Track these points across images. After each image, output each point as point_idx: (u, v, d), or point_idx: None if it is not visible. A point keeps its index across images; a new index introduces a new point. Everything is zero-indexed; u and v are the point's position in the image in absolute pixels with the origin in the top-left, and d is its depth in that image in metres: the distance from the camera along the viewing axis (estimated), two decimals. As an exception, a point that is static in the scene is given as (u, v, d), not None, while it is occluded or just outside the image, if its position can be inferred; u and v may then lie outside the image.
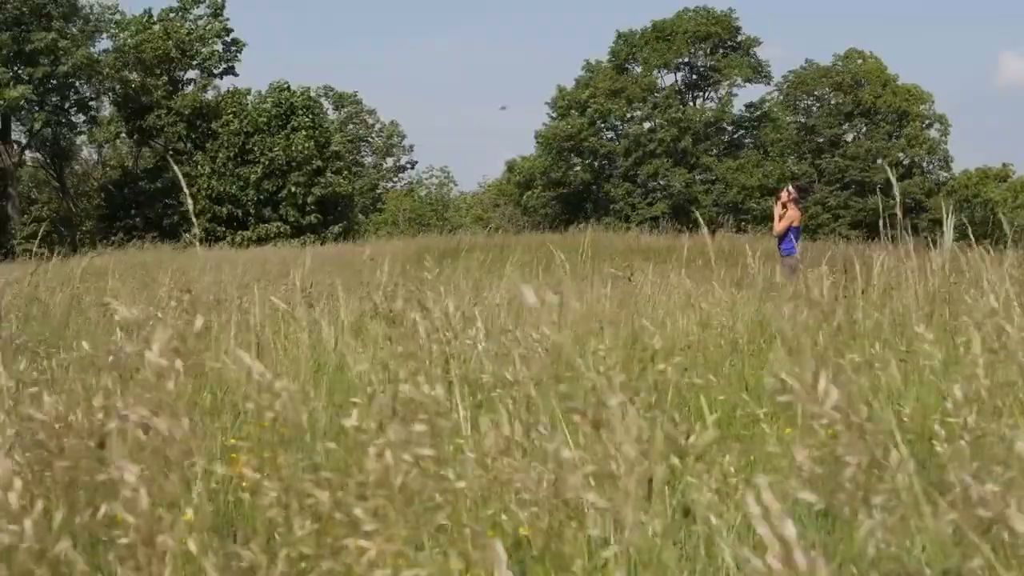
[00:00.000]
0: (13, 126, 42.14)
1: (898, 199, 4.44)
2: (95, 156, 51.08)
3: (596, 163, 52.90)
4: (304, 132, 43.17)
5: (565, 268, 5.53)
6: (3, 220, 40.55)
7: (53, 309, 6.01)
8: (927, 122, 52.40)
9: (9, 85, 38.23)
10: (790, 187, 11.73)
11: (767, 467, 2.71)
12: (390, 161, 66.78)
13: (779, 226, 11.17)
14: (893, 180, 4.44)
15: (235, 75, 46.84)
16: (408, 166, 66.94)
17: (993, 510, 1.53)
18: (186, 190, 3.34)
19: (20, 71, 39.85)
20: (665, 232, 29.16)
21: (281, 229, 41.49)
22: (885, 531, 1.62)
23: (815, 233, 40.29)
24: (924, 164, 52.57)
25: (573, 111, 52.77)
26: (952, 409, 2.10)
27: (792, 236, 11.15)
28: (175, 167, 3.40)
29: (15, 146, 42.45)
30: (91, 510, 1.79)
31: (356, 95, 64.04)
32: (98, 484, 1.76)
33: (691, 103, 54.00)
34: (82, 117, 44.16)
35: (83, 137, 46.85)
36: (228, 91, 45.38)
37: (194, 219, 3.48)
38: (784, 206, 11.25)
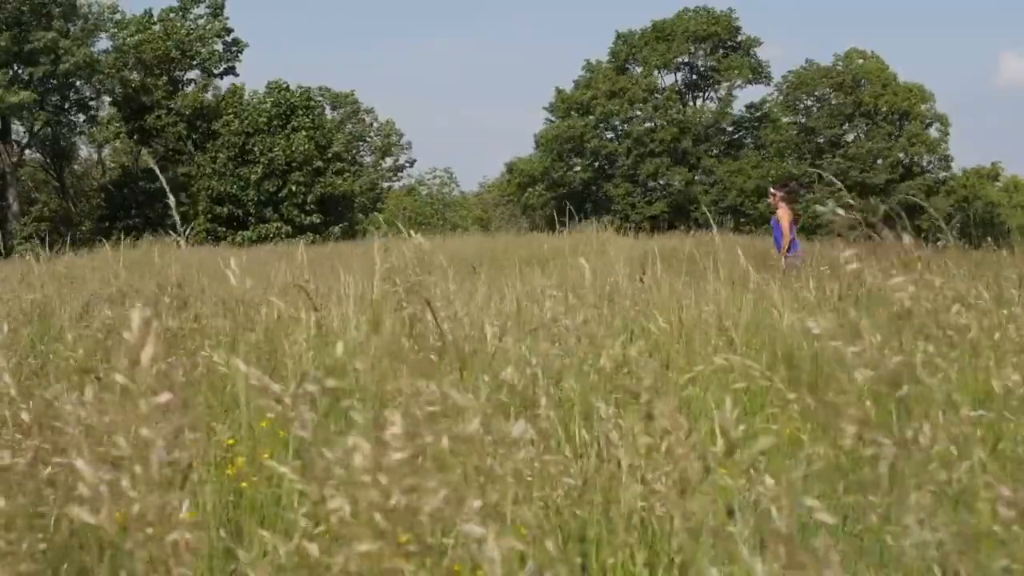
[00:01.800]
0: (13, 126, 42.13)
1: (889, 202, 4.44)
2: (95, 156, 51.11)
3: (596, 163, 52.92)
4: (304, 132, 43.13)
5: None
6: (3, 220, 40.51)
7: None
8: (927, 121, 52.36)
9: (11, 88, 38.15)
10: (772, 189, 11.44)
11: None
12: (389, 161, 66.76)
13: (786, 236, 10.72)
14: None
15: (235, 75, 46.81)
16: (407, 164, 66.93)
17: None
18: (170, 195, 3.35)
19: (20, 71, 39.81)
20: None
21: (282, 229, 41.44)
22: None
23: (813, 234, 40.15)
24: (924, 164, 52.51)
25: (573, 112, 52.78)
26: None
27: (793, 234, 10.94)
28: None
29: (15, 146, 42.43)
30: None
31: (352, 94, 64.05)
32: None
33: (691, 103, 54.01)
34: (82, 117, 44.15)
35: (83, 137, 46.87)
36: (229, 91, 45.33)
37: (177, 218, 3.48)
38: (778, 205, 11.00)
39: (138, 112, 43.60)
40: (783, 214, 10.73)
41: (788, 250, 10.59)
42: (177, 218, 3.63)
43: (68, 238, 12.97)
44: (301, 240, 10.98)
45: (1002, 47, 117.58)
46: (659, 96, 52.41)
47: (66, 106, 42.86)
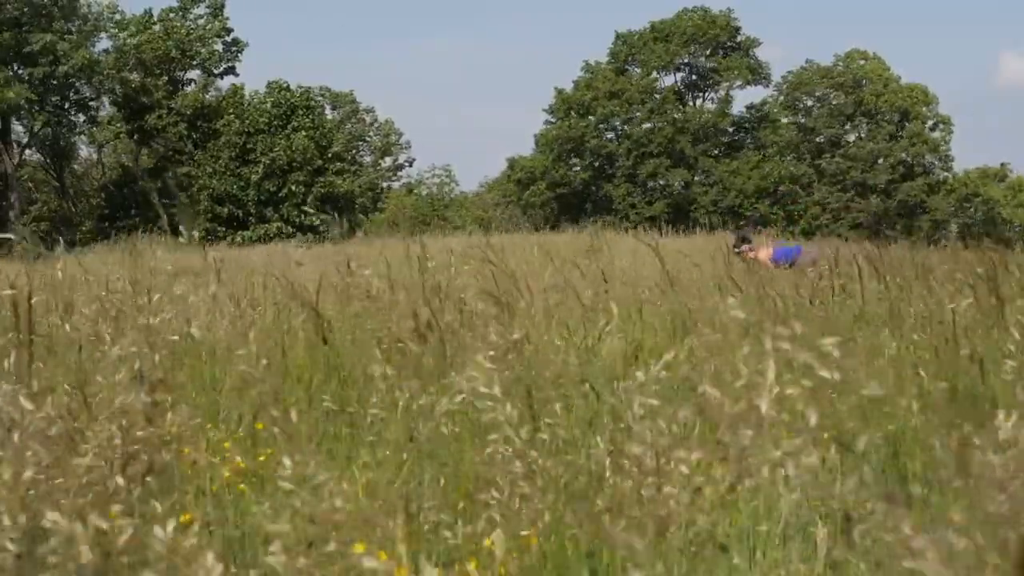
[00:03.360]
0: (13, 126, 42.13)
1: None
2: (95, 156, 51.08)
3: (596, 163, 52.91)
4: (304, 132, 43.10)
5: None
6: (3, 220, 40.51)
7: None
8: (930, 122, 52.29)
9: (9, 85, 38.14)
10: (736, 241, 11.53)
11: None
12: (388, 160, 66.72)
13: (767, 265, 10.69)
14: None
15: (235, 75, 46.73)
16: (407, 164, 66.89)
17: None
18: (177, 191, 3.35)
19: (20, 72, 39.79)
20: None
21: (282, 229, 41.39)
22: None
23: (811, 235, 40.25)
24: (926, 164, 52.42)
25: (573, 113, 52.77)
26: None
27: (782, 254, 11.00)
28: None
29: (15, 146, 42.41)
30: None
31: (352, 94, 64.03)
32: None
33: (691, 103, 53.97)
34: (82, 117, 44.11)
35: (83, 137, 46.85)
36: (229, 91, 45.28)
37: (182, 221, 3.49)
38: (753, 255, 11.07)
39: (138, 112, 43.55)
40: (761, 255, 10.92)
41: (790, 263, 10.61)
42: (183, 218, 3.63)
43: (61, 239, 12.98)
44: (296, 240, 11.00)
45: (1002, 47, 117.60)
46: (658, 97, 52.37)
47: (66, 106, 42.84)
